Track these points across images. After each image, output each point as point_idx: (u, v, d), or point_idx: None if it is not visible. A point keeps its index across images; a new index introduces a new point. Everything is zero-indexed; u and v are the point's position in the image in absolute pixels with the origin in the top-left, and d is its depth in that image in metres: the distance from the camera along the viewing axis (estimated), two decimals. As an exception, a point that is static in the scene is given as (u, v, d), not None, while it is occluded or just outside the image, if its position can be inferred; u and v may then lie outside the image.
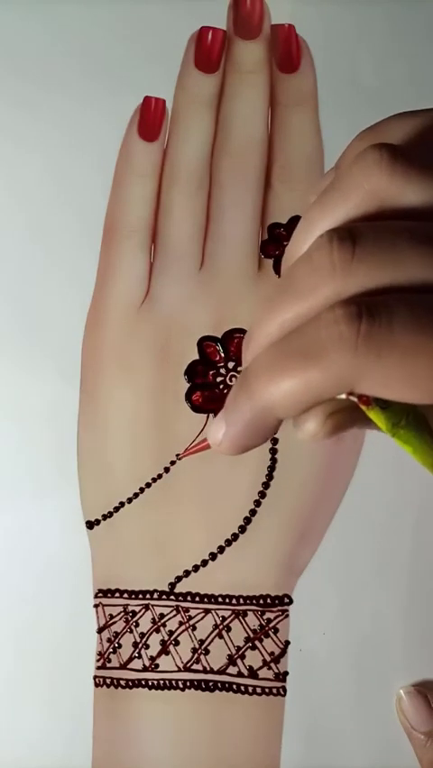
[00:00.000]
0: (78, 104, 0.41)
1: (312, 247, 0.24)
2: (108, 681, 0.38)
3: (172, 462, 0.39)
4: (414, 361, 0.22)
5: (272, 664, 0.37)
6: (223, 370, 0.39)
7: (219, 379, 0.39)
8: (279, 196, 0.40)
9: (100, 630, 0.39)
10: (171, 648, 0.38)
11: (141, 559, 0.39)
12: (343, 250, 0.24)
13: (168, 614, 0.38)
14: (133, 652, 0.38)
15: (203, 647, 0.37)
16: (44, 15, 0.42)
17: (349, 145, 0.27)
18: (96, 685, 0.38)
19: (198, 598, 0.38)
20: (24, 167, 0.41)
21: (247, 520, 0.38)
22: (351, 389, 0.24)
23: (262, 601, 0.38)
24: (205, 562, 0.38)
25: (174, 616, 0.38)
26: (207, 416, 0.39)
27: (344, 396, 0.24)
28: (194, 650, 0.37)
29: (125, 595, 0.38)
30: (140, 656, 0.38)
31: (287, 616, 0.38)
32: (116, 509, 0.39)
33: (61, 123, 0.41)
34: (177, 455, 0.39)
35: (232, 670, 0.37)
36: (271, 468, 0.38)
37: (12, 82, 0.42)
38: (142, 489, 0.39)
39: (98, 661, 0.38)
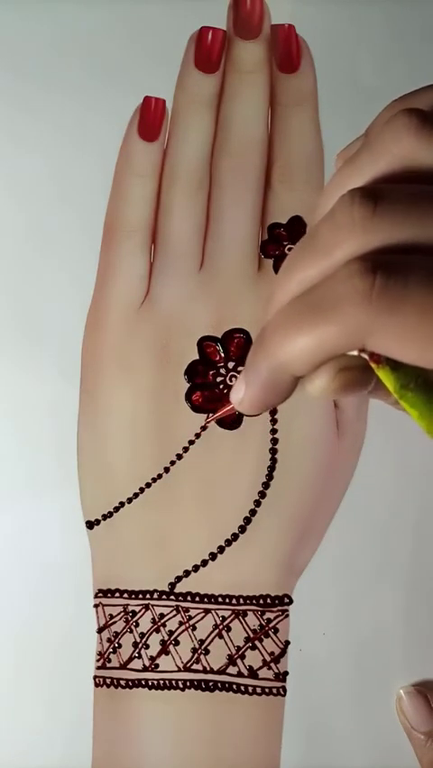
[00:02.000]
0: (79, 104, 0.42)
1: (335, 205, 0.25)
2: (108, 681, 0.38)
3: (172, 462, 0.39)
4: (428, 320, 0.22)
5: (272, 664, 0.37)
6: (223, 370, 0.39)
7: (219, 379, 0.39)
8: (279, 196, 0.40)
9: (100, 630, 0.39)
10: (171, 648, 0.38)
11: (141, 559, 0.39)
12: (364, 206, 0.24)
13: (168, 614, 0.38)
14: (133, 652, 0.38)
15: (203, 647, 0.37)
16: (44, 15, 0.42)
17: (379, 114, 0.27)
18: (97, 685, 0.38)
19: (198, 598, 0.38)
20: (24, 167, 0.41)
21: (247, 520, 0.38)
22: (363, 345, 0.24)
23: (262, 601, 0.38)
24: (205, 562, 0.38)
25: (174, 616, 0.38)
26: (208, 416, 0.39)
27: (355, 353, 0.24)
28: (194, 650, 0.37)
29: (125, 595, 0.38)
30: (140, 656, 0.38)
31: (287, 616, 0.38)
32: (116, 509, 0.39)
33: (62, 122, 0.41)
34: (203, 426, 0.39)
35: (232, 670, 0.37)
36: (271, 468, 0.38)
37: (12, 82, 0.42)
38: (142, 489, 0.39)
39: (98, 661, 0.38)
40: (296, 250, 0.26)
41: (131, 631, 0.38)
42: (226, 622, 0.38)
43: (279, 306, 0.26)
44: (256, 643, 0.37)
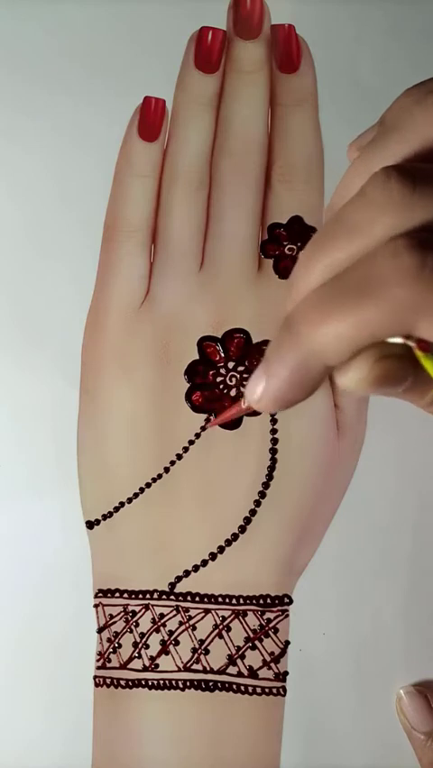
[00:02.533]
0: (79, 104, 0.42)
1: (367, 184, 0.23)
2: (108, 680, 0.38)
3: (172, 462, 0.39)
4: None
5: (272, 664, 0.37)
6: (223, 370, 0.39)
7: (219, 379, 0.39)
8: (279, 196, 0.40)
9: (100, 630, 0.39)
10: (171, 648, 0.38)
11: (141, 559, 0.39)
12: (402, 183, 0.23)
13: (168, 614, 0.38)
14: (133, 652, 0.38)
15: (203, 647, 0.37)
16: (44, 15, 0.42)
17: (397, 100, 0.26)
18: (97, 685, 0.38)
19: (197, 598, 0.38)
20: (25, 167, 0.41)
21: (247, 520, 0.38)
22: (409, 330, 0.22)
23: (262, 601, 0.38)
24: (205, 562, 0.38)
25: (174, 616, 0.38)
26: (210, 415, 0.39)
27: (400, 340, 0.22)
28: (194, 650, 0.37)
29: (125, 595, 0.38)
30: (140, 656, 0.38)
31: (287, 616, 0.38)
32: (116, 509, 0.39)
33: (62, 123, 0.41)
34: (202, 427, 0.38)
35: (232, 670, 0.37)
36: (271, 468, 0.38)
37: (12, 82, 0.42)
38: (142, 489, 0.39)
39: (98, 661, 0.38)
40: (319, 235, 0.24)
41: (131, 631, 0.38)
42: (226, 622, 0.38)
43: (303, 292, 0.24)
44: (256, 643, 0.37)
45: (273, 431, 0.39)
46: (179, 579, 0.38)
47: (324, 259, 0.24)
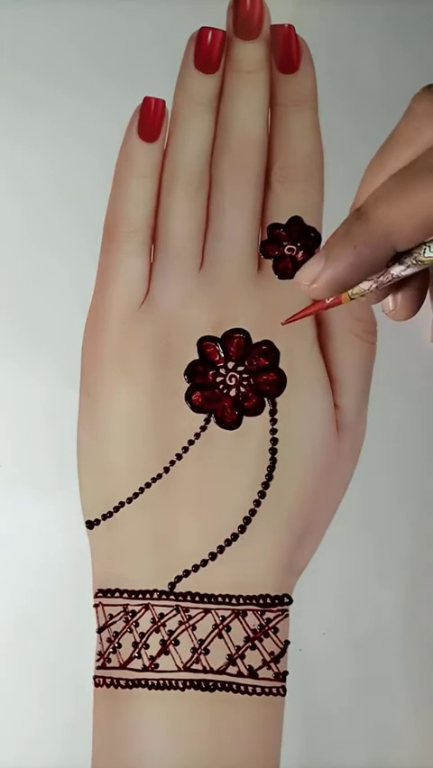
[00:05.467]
0: (79, 104, 0.42)
1: (412, 101, 0.26)
2: (108, 680, 0.38)
3: (172, 462, 0.39)
4: None
5: (272, 664, 0.37)
6: (223, 370, 0.39)
7: (219, 379, 0.39)
8: (278, 196, 0.40)
9: (100, 630, 0.39)
10: (171, 648, 0.38)
11: (140, 559, 0.39)
12: None
13: (168, 614, 0.38)
14: (133, 652, 0.38)
15: (203, 647, 0.37)
16: (45, 15, 0.42)
17: (414, 98, 0.28)
18: (96, 685, 0.38)
19: (197, 598, 0.38)
20: (25, 166, 0.41)
21: (247, 520, 0.38)
22: None
23: (261, 601, 0.38)
24: (205, 562, 0.38)
25: (174, 615, 0.38)
26: (210, 415, 0.39)
27: None
28: (194, 650, 0.37)
29: (125, 595, 0.38)
30: (140, 656, 0.38)
31: (287, 615, 0.38)
32: (116, 509, 0.39)
33: (62, 123, 0.42)
34: (282, 322, 0.37)
35: (232, 670, 0.37)
36: (271, 468, 0.38)
37: (12, 81, 0.42)
38: (142, 489, 0.39)
39: (98, 661, 0.38)
40: (378, 153, 0.27)
41: (131, 631, 0.38)
42: (226, 622, 0.38)
43: (369, 192, 0.26)
44: (256, 642, 0.37)
45: (273, 431, 0.39)
46: (178, 578, 0.38)
47: (384, 169, 0.26)
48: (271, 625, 0.38)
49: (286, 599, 0.38)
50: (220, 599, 0.38)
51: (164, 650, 0.38)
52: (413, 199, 0.25)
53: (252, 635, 0.37)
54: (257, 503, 0.38)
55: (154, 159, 0.40)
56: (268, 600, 0.38)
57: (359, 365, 0.40)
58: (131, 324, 0.40)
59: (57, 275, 0.41)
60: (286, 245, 0.40)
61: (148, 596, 0.38)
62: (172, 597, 0.38)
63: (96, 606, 0.39)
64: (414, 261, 0.28)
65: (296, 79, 0.40)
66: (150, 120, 0.40)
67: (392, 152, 0.27)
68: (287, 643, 0.38)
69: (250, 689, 0.37)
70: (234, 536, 0.38)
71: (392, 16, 0.42)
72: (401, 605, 0.39)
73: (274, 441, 0.39)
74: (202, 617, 0.38)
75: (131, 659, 0.38)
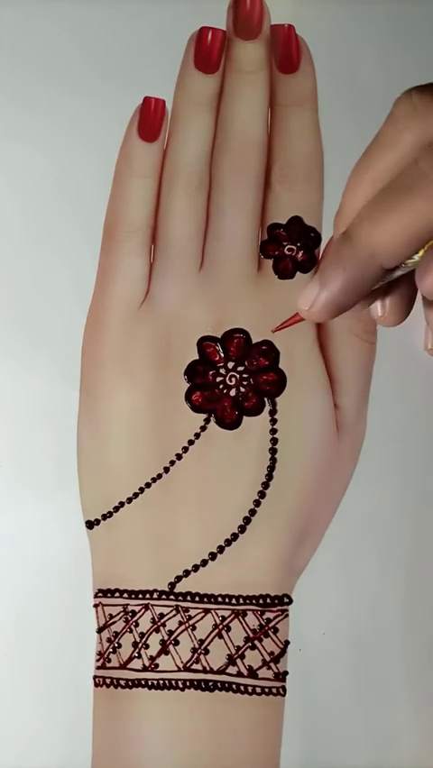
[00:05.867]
0: (79, 104, 0.42)
1: (393, 106, 0.27)
2: (108, 680, 0.38)
3: (172, 462, 0.39)
4: None
5: (272, 664, 0.37)
6: (223, 370, 0.39)
7: (219, 379, 0.39)
8: (278, 196, 0.40)
9: (100, 630, 0.39)
10: (171, 648, 0.38)
11: (140, 559, 0.39)
12: (421, 93, 0.26)
13: (167, 614, 0.38)
14: (133, 652, 0.38)
15: (203, 647, 0.37)
16: (45, 15, 0.42)
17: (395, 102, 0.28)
18: (96, 685, 0.38)
19: (197, 598, 0.38)
20: (25, 166, 0.41)
21: (247, 520, 0.38)
22: None
23: (261, 601, 0.38)
24: (205, 562, 0.38)
25: (174, 615, 0.38)
26: (210, 415, 0.39)
27: None
28: (194, 650, 0.37)
29: (125, 595, 0.38)
30: (140, 656, 0.38)
31: (287, 615, 0.38)
32: (116, 509, 0.39)
33: (62, 123, 0.42)
34: (272, 330, 0.37)
35: (232, 670, 0.37)
36: (271, 468, 0.38)
37: (12, 81, 0.42)
38: (141, 489, 0.39)
39: (98, 661, 0.38)
40: (361, 158, 0.28)
41: (131, 631, 0.38)
42: (226, 622, 0.38)
43: (352, 211, 0.27)
44: (256, 642, 0.37)
45: (273, 431, 0.39)
46: (178, 578, 0.38)
47: (367, 175, 0.28)
48: (271, 625, 0.38)
49: (286, 599, 0.38)
50: (220, 599, 0.38)
51: (164, 650, 0.38)
52: (395, 220, 0.26)
53: (252, 635, 0.37)
54: (257, 503, 0.38)
55: (154, 159, 0.40)
56: (268, 600, 0.38)
57: (359, 365, 0.40)
58: (131, 323, 0.40)
59: (57, 275, 0.41)
60: (286, 245, 0.40)
61: (148, 596, 0.38)
62: (172, 597, 0.38)
63: (96, 606, 0.39)
64: (401, 265, 0.28)
65: (296, 79, 0.40)
66: (150, 120, 0.40)
67: (375, 156, 0.28)
68: (287, 643, 0.38)
69: (250, 689, 0.37)
70: (234, 536, 0.38)
71: (392, 16, 0.42)
72: (401, 605, 0.39)
73: (274, 441, 0.39)
74: (202, 617, 0.38)
75: (131, 659, 0.38)
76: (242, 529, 0.38)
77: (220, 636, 0.37)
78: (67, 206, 0.41)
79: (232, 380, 0.39)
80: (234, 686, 0.37)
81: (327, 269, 0.28)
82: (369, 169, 0.28)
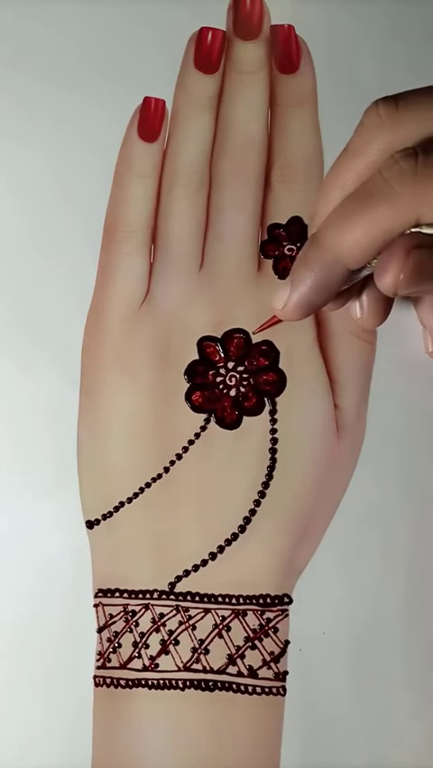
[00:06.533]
0: (79, 103, 0.42)
1: (363, 115, 0.29)
2: (108, 680, 0.38)
3: (172, 462, 0.39)
4: None
5: (272, 664, 0.37)
6: (223, 370, 0.39)
7: (219, 379, 0.39)
8: (278, 196, 0.40)
9: (100, 630, 0.39)
10: (171, 648, 0.38)
11: (140, 558, 0.39)
12: (387, 105, 0.28)
13: (168, 613, 0.38)
14: (133, 651, 0.38)
15: (203, 647, 0.37)
16: (45, 15, 0.42)
17: (364, 113, 0.30)
18: (96, 685, 0.38)
19: (197, 598, 0.38)
20: (25, 166, 0.41)
21: (247, 520, 0.38)
22: (418, 220, 0.26)
23: (261, 601, 0.38)
24: (205, 562, 0.38)
25: (174, 615, 0.38)
26: (210, 415, 0.39)
27: (416, 230, 0.27)
28: (194, 650, 0.37)
29: (125, 594, 0.38)
30: (140, 656, 0.38)
31: (287, 615, 0.38)
32: (116, 509, 0.39)
33: (62, 122, 0.42)
34: (253, 331, 0.39)
35: (232, 669, 0.37)
36: (271, 468, 0.38)
37: (12, 81, 0.42)
38: (142, 489, 0.39)
39: (98, 660, 0.38)
40: (333, 165, 0.30)
41: (131, 631, 0.38)
42: (226, 622, 0.38)
43: (323, 215, 0.29)
44: (256, 642, 0.37)
45: (273, 431, 0.39)
46: (178, 578, 0.38)
47: (337, 182, 0.29)
48: (271, 624, 0.38)
49: (286, 599, 0.38)
50: (220, 599, 0.38)
51: (164, 650, 0.38)
52: (356, 227, 0.27)
53: (252, 634, 0.37)
54: (257, 503, 0.38)
55: (154, 159, 0.40)
56: (268, 600, 0.38)
57: (359, 365, 0.40)
58: (131, 323, 0.40)
59: (57, 275, 0.41)
60: (286, 245, 0.40)
61: (148, 596, 0.38)
62: (172, 597, 0.38)
63: (96, 606, 0.39)
64: (366, 266, 0.29)
65: (296, 79, 0.40)
66: (150, 120, 0.40)
67: (344, 165, 0.29)
68: (287, 643, 0.38)
69: (250, 688, 0.37)
70: (234, 536, 0.38)
71: (392, 16, 0.42)
72: (401, 605, 0.39)
73: (274, 441, 0.39)
74: (202, 617, 0.38)
75: (131, 659, 0.38)
76: (242, 529, 0.38)
77: (220, 636, 0.37)
78: (67, 206, 0.41)
79: (232, 380, 0.39)
80: (234, 686, 0.37)
81: (297, 270, 0.29)
82: (338, 177, 0.29)
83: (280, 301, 0.30)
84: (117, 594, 0.39)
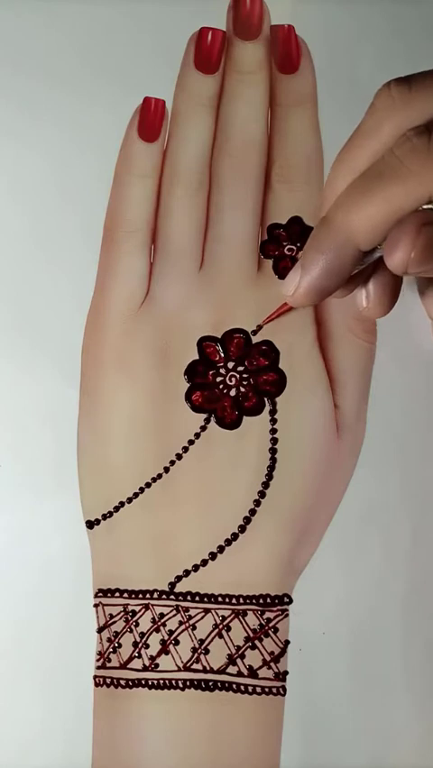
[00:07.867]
0: (79, 104, 0.42)
1: (374, 97, 0.29)
2: (108, 680, 0.38)
3: (172, 462, 0.39)
4: None
5: (272, 664, 0.37)
6: (223, 370, 0.39)
7: (219, 379, 0.39)
8: (278, 196, 0.40)
9: (100, 630, 0.39)
10: (171, 648, 0.38)
11: (141, 558, 0.39)
12: (399, 85, 0.28)
13: (168, 613, 0.38)
14: (133, 651, 0.38)
15: (203, 647, 0.37)
16: (45, 15, 0.42)
17: (376, 94, 0.30)
18: (97, 685, 0.38)
19: (197, 598, 0.38)
20: (25, 167, 0.42)
21: (247, 520, 0.38)
22: (430, 197, 0.26)
23: (261, 601, 0.38)
24: (205, 562, 0.38)
25: (174, 615, 0.38)
26: (210, 415, 0.39)
27: (429, 206, 0.26)
28: (194, 649, 0.37)
29: (125, 594, 0.38)
30: (140, 656, 0.38)
31: (287, 615, 0.38)
32: (116, 509, 0.39)
33: (62, 123, 0.42)
34: (258, 325, 0.39)
35: (232, 669, 0.37)
36: (271, 468, 0.38)
37: (12, 81, 0.42)
38: (142, 489, 0.39)
39: (98, 660, 0.38)
40: (343, 148, 0.29)
41: (131, 631, 0.38)
42: (226, 621, 0.38)
43: (332, 198, 0.28)
44: (256, 642, 0.37)
45: (273, 431, 0.39)
46: (179, 578, 0.38)
47: (347, 163, 0.29)
48: (271, 624, 0.38)
49: (286, 599, 0.38)
50: (220, 599, 0.38)
51: (164, 650, 0.38)
52: (368, 205, 0.27)
53: (252, 634, 0.38)
54: (257, 503, 0.38)
55: (154, 159, 0.40)
56: (268, 600, 0.38)
57: (359, 365, 0.40)
58: (131, 323, 0.40)
59: (57, 275, 0.41)
60: (286, 245, 0.40)
61: (148, 596, 0.38)
62: (172, 596, 0.38)
63: (96, 606, 0.39)
64: (378, 247, 0.29)
65: (296, 79, 0.40)
66: (150, 120, 0.40)
67: (356, 145, 0.29)
68: (287, 642, 0.38)
69: (250, 688, 0.37)
70: (234, 536, 0.38)
71: (392, 16, 0.42)
72: (401, 605, 0.39)
73: (274, 441, 0.39)
74: (202, 617, 0.38)
75: (131, 659, 0.38)
76: (242, 529, 0.38)
77: (220, 636, 0.37)
78: (67, 207, 0.41)
79: (232, 380, 0.39)
80: (234, 686, 0.37)
81: (308, 253, 0.29)
82: (349, 159, 0.29)
83: (291, 286, 0.30)
84: (117, 594, 0.39)
